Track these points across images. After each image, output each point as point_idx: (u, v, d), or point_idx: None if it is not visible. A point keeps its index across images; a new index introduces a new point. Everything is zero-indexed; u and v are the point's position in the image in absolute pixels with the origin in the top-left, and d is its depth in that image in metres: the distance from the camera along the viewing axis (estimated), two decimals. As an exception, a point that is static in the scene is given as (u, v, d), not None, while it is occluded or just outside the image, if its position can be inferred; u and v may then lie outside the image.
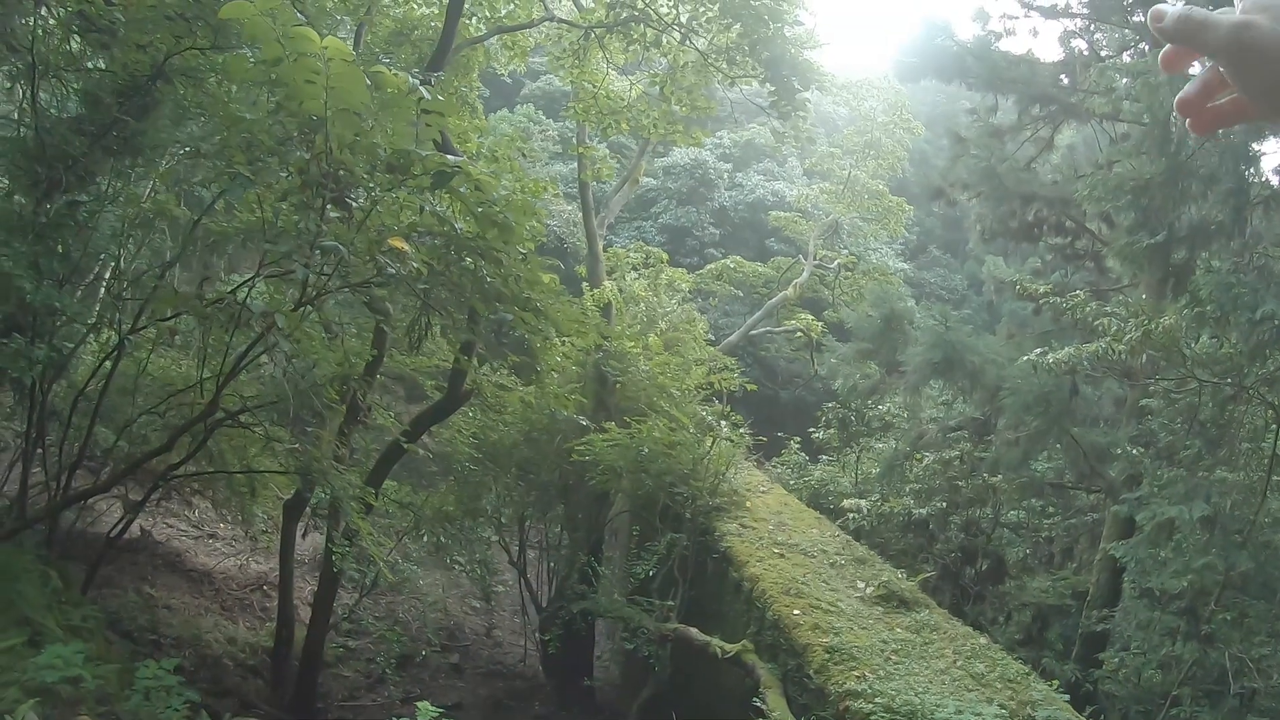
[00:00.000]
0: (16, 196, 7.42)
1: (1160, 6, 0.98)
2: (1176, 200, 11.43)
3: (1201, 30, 0.94)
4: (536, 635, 13.53)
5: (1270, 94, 0.94)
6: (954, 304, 26.79)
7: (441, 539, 13.52)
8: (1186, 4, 0.97)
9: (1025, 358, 11.58)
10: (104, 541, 8.86)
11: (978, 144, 14.87)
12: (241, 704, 9.36)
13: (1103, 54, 14.62)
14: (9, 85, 7.89)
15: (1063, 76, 14.75)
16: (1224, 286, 9.48)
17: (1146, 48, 13.04)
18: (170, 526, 13.09)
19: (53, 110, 7.69)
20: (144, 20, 6.78)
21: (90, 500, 8.97)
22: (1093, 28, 14.87)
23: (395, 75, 5.59)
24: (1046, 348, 11.47)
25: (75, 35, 7.59)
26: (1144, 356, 11.14)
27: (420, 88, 5.61)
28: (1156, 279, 12.48)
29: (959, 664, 7.80)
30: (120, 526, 9.10)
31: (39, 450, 8.07)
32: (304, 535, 12.00)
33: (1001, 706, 6.87)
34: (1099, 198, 12.30)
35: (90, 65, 7.81)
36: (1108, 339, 10.70)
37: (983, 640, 8.59)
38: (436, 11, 15.00)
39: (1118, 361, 11.18)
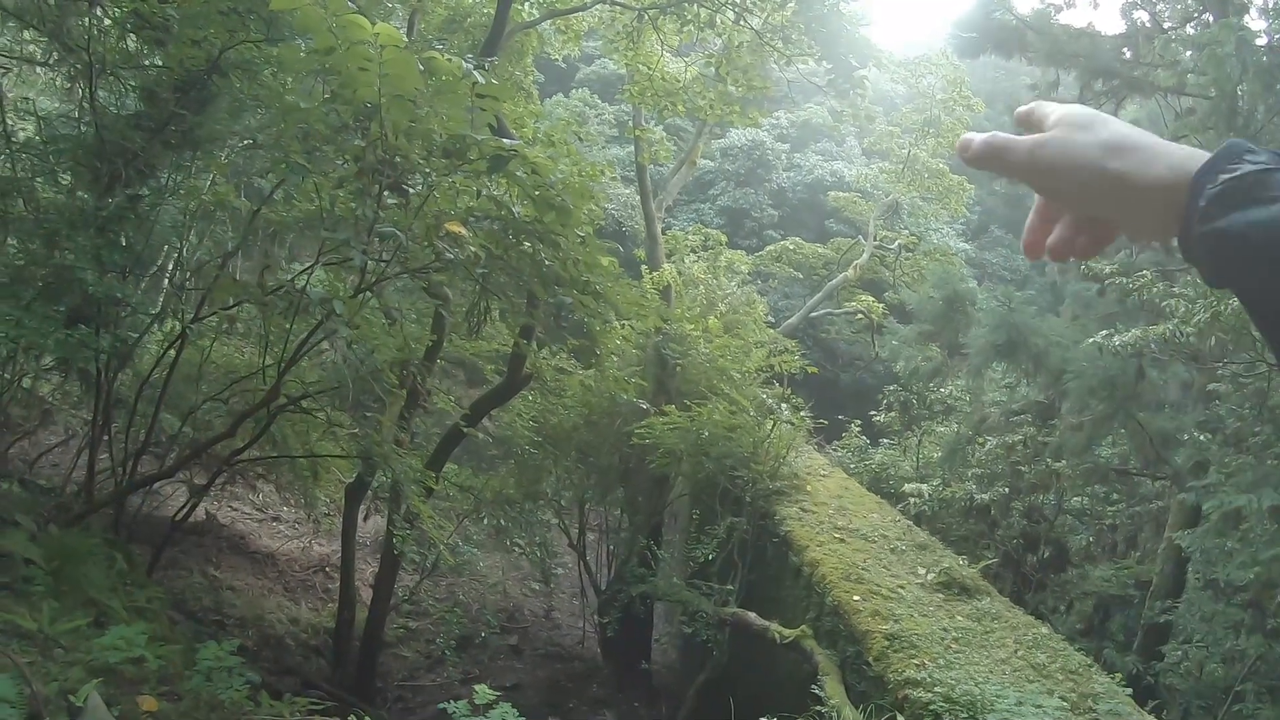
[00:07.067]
0: (79, 192, 7.55)
1: (968, 135, 1.04)
2: (1246, 177, 11.06)
3: (1004, 153, 1.01)
4: (595, 618, 13.60)
5: (1077, 202, 0.99)
6: (1017, 285, 26.14)
7: (502, 522, 13.63)
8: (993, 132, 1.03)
9: (1090, 340, 11.34)
10: (169, 525, 9.04)
11: (1040, 121, 14.50)
12: (303, 682, 9.52)
13: (1165, 26, 14.17)
14: (68, 84, 8.03)
15: (1125, 50, 14.31)
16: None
17: (1211, 18, 12.63)
18: (235, 510, 13.34)
19: (111, 107, 7.81)
20: (198, 16, 6.84)
21: (156, 485, 9.15)
22: (1155, -2, 14.43)
23: (448, 60, 5.58)
24: (1112, 330, 11.22)
25: (131, 33, 7.70)
26: (1212, 339, 10.79)
27: (474, 72, 5.59)
28: (1226, 259, 12.07)
29: (1020, 654, 7.68)
30: (185, 510, 9.26)
31: (105, 437, 8.21)
32: (365, 518, 12.15)
33: (1063, 699, 6.75)
34: (1165, 175, 11.94)
35: (146, 62, 7.91)
36: (1175, 321, 10.43)
37: (1044, 630, 8.45)
38: (489, -3, 14.99)
39: (1185, 344, 10.87)
